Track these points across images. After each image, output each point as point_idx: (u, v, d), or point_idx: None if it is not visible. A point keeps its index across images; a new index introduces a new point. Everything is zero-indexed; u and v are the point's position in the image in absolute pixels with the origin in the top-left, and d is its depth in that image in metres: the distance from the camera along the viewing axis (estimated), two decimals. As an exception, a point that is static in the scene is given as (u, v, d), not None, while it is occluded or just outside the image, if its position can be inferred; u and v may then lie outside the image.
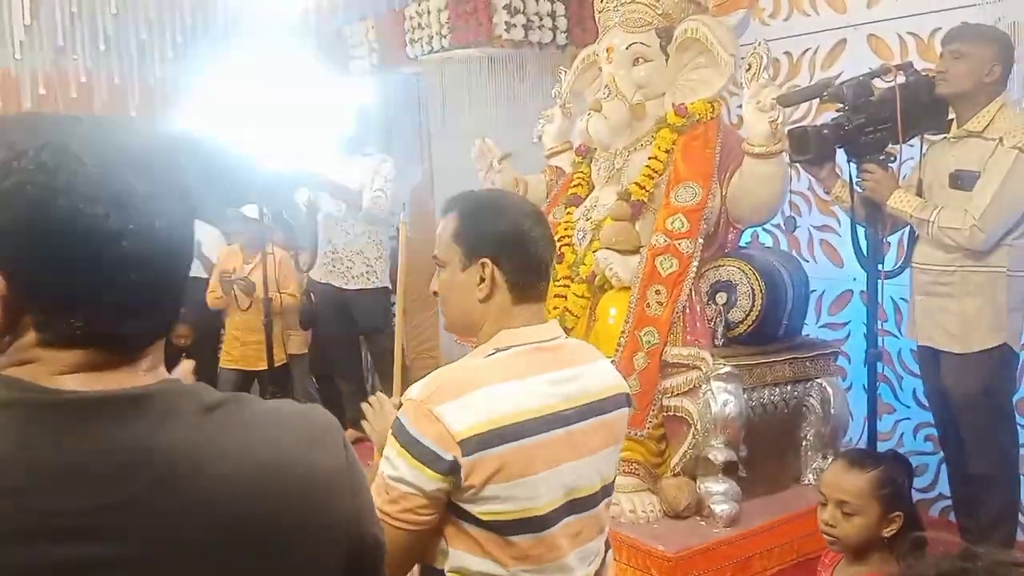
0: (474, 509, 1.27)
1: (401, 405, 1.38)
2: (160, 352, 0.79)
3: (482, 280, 1.37)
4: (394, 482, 1.26)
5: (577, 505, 1.36)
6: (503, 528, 1.28)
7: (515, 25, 4.14)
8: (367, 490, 0.86)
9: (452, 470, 1.24)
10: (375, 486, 1.28)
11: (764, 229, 4.00)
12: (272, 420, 0.80)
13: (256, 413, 0.79)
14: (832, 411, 3.11)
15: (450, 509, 1.29)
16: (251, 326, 4.29)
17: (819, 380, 3.14)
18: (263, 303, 4.01)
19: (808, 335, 3.47)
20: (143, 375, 0.76)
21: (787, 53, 3.97)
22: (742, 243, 3.37)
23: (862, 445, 3.10)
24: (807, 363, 3.12)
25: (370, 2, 5.19)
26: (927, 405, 3.14)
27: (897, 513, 1.68)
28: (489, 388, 1.29)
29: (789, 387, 3.08)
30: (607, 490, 1.44)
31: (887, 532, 1.68)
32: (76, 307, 0.72)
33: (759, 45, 2.96)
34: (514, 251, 1.38)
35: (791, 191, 3.86)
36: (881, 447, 3.82)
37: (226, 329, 4.47)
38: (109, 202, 0.70)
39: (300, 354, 4.62)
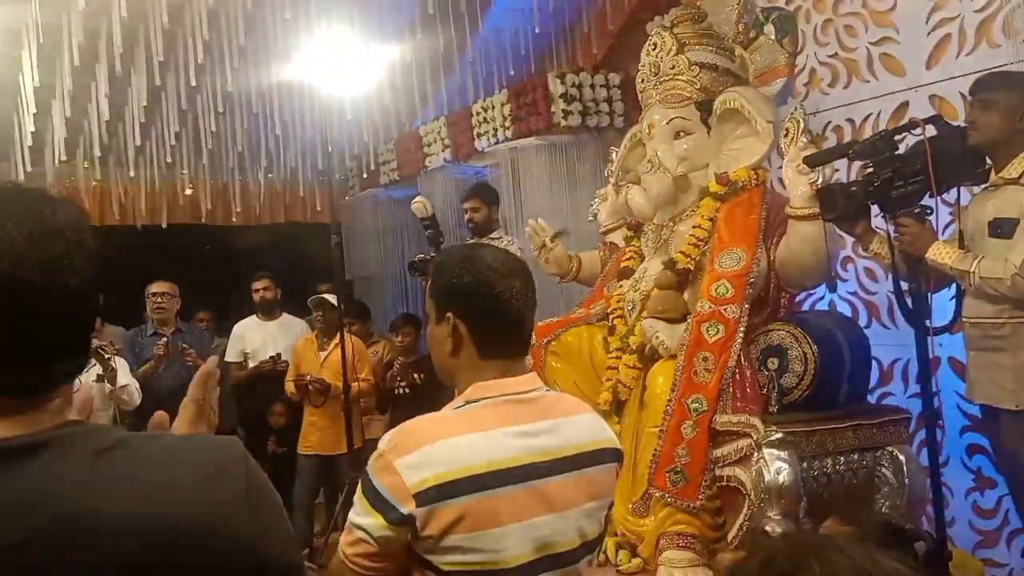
0: (436, 559, 1.28)
1: None
2: (69, 395, 0.86)
3: (449, 334, 1.40)
4: (354, 526, 1.29)
5: (553, 561, 1.34)
6: None
7: (572, 112, 4.33)
8: (273, 514, 0.88)
9: (406, 521, 1.25)
10: (347, 523, 1.32)
11: (840, 297, 3.88)
12: (166, 459, 0.84)
13: (153, 451, 0.84)
14: (907, 481, 2.91)
15: (414, 558, 1.30)
16: (328, 414, 4.46)
17: (890, 448, 2.95)
18: (342, 390, 4.18)
19: (888, 403, 3.27)
20: (47, 418, 0.82)
21: (849, 120, 3.92)
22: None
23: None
24: (874, 430, 2.95)
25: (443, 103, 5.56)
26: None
27: None
28: (449, 440, 1.30)
29: (856, 455, 2.91)
30: (589, 546, 1.41)
31: None
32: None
33: (795, 110, 2.98)
34: (478, 306, 1.39)
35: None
36: (985, 525, 3.52)
37: (304, 416, 4.66)
38: (34, 266, 0.80)
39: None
